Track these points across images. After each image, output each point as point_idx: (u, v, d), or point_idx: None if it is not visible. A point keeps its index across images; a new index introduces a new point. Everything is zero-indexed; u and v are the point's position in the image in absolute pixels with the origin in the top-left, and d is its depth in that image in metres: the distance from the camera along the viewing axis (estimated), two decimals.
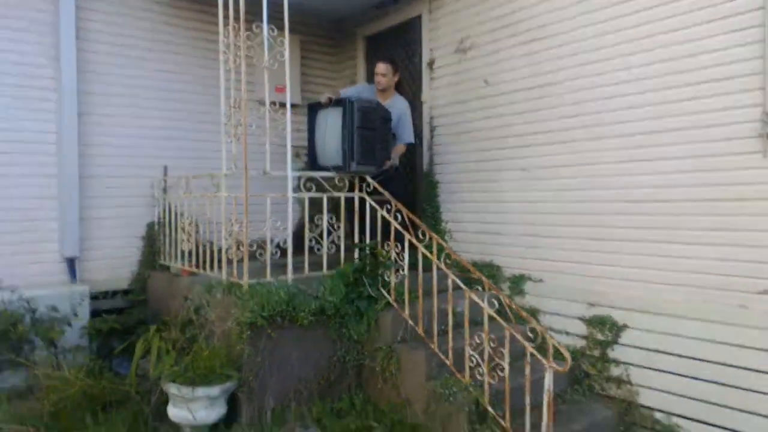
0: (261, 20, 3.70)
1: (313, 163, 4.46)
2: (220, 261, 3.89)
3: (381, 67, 4.66)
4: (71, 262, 4.49)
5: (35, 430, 2.92)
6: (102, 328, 4.00)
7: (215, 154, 5.16)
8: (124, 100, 4.87)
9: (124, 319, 4.23)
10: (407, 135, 4.71)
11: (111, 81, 4.81)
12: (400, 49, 5.68)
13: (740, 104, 3.21)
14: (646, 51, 3.62)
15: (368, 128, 4.20)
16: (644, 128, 3.64)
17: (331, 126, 4.28)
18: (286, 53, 3.85)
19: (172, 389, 3.15)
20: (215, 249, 4.00)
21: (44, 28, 4.48)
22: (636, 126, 3.68)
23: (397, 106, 4.67)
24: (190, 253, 4.28)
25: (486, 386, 3.11)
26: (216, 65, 5.18)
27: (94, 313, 4.28)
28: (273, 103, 3.82)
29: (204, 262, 4.12)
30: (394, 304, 3.75)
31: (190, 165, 5.01)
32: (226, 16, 3.81)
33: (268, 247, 3.74)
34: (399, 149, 4.66)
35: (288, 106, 3.91)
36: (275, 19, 3.75)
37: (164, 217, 4.76)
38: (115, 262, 4.77)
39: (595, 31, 3.88)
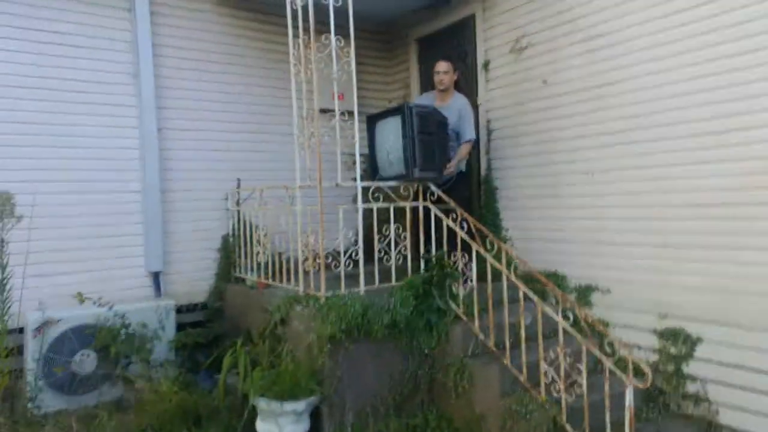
0: (325, 31, 3.78)
1: (374, 174, 4.52)
2: (296, 272, 4.05)
3: (442, 65, 4.68)
4: (156, 277, 4.75)
5: None
6: (187, 342, 4.23)
7: (283, 165, 5.39)
8: (197, 114, 5.08)
9: (206, 333, 4.45)
10: (469, 132, 4.62)
11: (184, 95, 5.02)
12: (453, 50, 5.66)
13: None
14: (716, 45, 3.53)
15: (427, 133, 4.26)
16: (711, 128, 3.57)
17: (391, 135, 4.35)
18: (353, 63, 3.94)
19: (261, 404, 3.35)
20: (291, 260, 4.16)
21: (123, 46, 4.73)
22: (701, 126, 3.61)
23: (458, 103, 4.67)
24: (265, 265, 4.46)
25: (563, 403, 3.16)
26: (281, 76, 5.46)
27: (178, 327, 4.50)
28: (341, 112, 3.91)
29: (280, 273, 4.30)
30: (463, 317, 3.83)
31: (260, 176, 5.18)
32: (295, 27, 3.90)
33: (342, 258, 3.88)
34: (463, 151, 4.59)
35: (356, 116, 4.01)
36: (336, 27, 3.81)
37: (238, 230, 4.96)
38: (193, 275, 5.00)
39: (657, 26, 3.80)
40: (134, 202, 4.75)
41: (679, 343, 3.73)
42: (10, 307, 3.12)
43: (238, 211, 5.02)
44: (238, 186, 5.15)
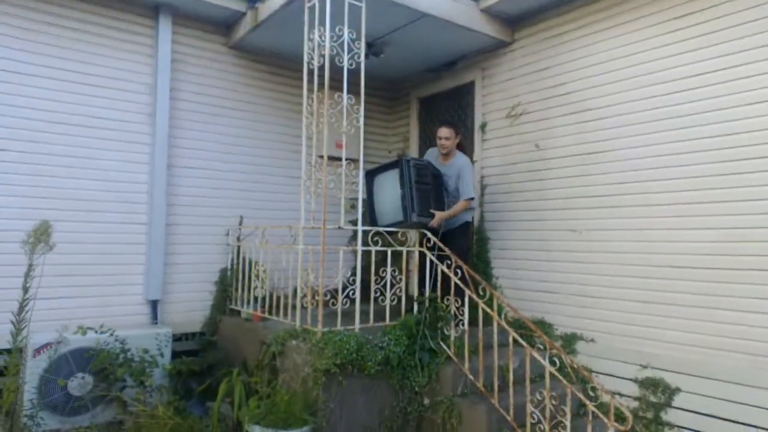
0: (335, 88, 4.09)
1: (372, 223, 4.76)
2: (294, 307, 4.19)
3: (444, 131, 4.88)
4: (154, 305, 4.88)
5: None
6: (182, 369, 4.31)
7: (283, 205, 5.70)
8: (205, 153, 5.35)
9: (200, 361, 4.53)
10: (467, 191, 4.74)
11: (194, 136, 5.29)
12: (452, 111, 6.10)
13: None
14: (693, 126, 3.91)
15: (423, 183, 4.57)
16: (690, 198, 3.91)
17: (388, 186, 4.65)
18: (361, 119, 4.26)
19: (256, 431, 3.43)
20: (288, 296, 4.32)
21: (143, 87, 5.02)
22: (682, 196, 3.96)
23: (458, 162, 4.87)
24: (263, 299, 4.61)
25: None
26: (286, 123, 5.80)
27: (173, 355, 4.59)
28: (346, 160, 4.17)
29: (277, 308, 4.44)
30: (454, 358, 3.98)
31: (260, 215, 5.47)
32: (309, 82, 4.20)
33: (340, 297, 4.05)
34: (458, 207, 4.72)
35: (361, 164, 4.29)
36: (338, 81, 4.10)
37: (237, 264, 5.13)
38: (190, 306, 5.14)
39: (643, 105, 4.20)
40: (139, 233, 4.92)
41: (658, 392, 3.92)
42: (25, 327, 3.22)
43: (238, 247, 5.20)
44: (240, 223, 5.35)
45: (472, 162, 5.47)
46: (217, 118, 5.44)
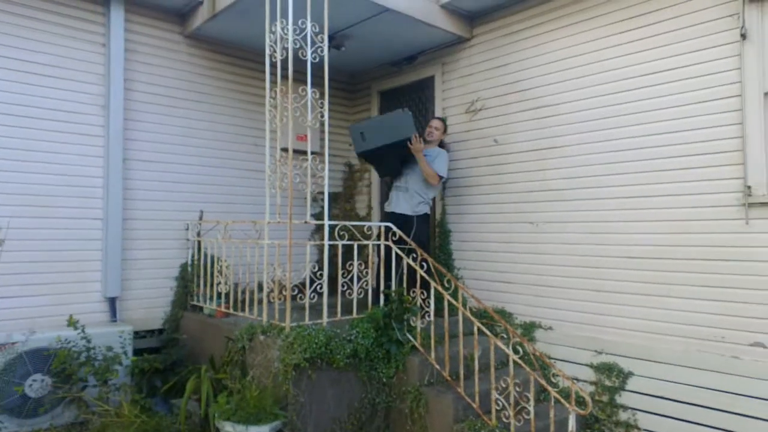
0: (298, 80, 4.08)
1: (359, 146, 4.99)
2: (260, 302, 4.17)
3: (435, 122, 5.19)
4: (113, 302, 4.74)
5: None
6: (145, 368, 4.22)
7: (244, 199, 5.62)
8: (162, 146, 5.21)
9: (163, 358, 4.44)
10: (441, 168, 4.92)
11: (150, 128, 5.14)
12: (413, 105, 6.16)
13: (725, 176, 3.72)
14: (642, 124, 4.13)
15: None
16: (640, 192, 4.14)
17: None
18: (326, 114, 4.24)
19: (227, 427, 3.40)
20: (254, 291, 4.29)
21: (95, 78, 4.83)
22: (633, 190, 4.18)
23: (438, 150, 5.06)
24: (226, 294, 4.56)
25: (512, 428, 3.43)
26: (246, 116, 5.72)
27: (134, 352, 4.48)
28: (304, 153, 4.16)
29: (242, 303, 4.40)
30: (421, 349, 4.07)
31: (220, 209, 5.40)
32: (273, 73, 4.13)
33: (308, 291, 4.06)
34: (429, 170, 4.84)
35: (326, 158, 4.28)
36: (301, 74, 4.08)
37: (198, 260, 5.05)
38: (150, 302, 5.02)
39: (599, 103, 4.39)
40: (96, 229, 4.75)
41: (613, 376, 4.14)
42: None
43: (199, 242, 5.11)
44: (201, 218, 5.25)
45: None
46: (175, 109, 5.30)
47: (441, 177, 4.96)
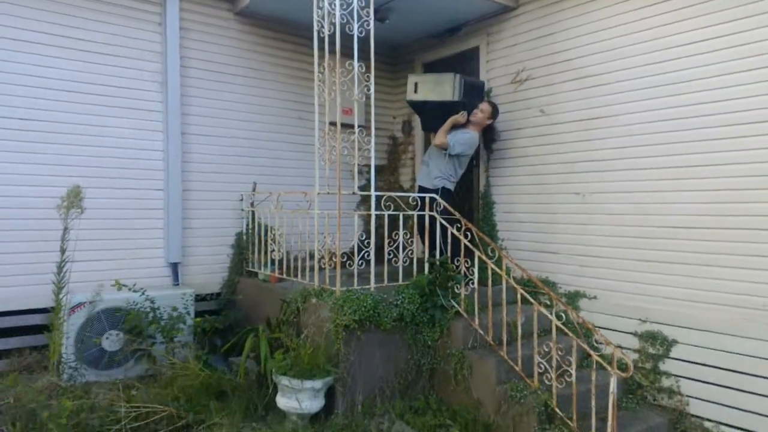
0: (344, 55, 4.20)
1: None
2: (312, 269, 4.40)
3: (484, 104, 5.16)
4: (175, 267, 5.08)
5: (175, 411, 3.46)
6: (206, 327, 4.54)
7: (294, 171, 5.85)
8: (217, 121, 5.46)
9: (222, 319, 4.77)
10: (454, 141, 4.95)
11: (206, 103, 5.39)
12: None
13: None
14: (687, 93, 4.08)
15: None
16: (685, 162, 4.10)
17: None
18: (372, 88, 4.35)
19: (283, 381, 3.67)
20: (304, 259, 4.51)
21: (152, 56, 5.09)
22: (677, 159, 4.14)
23: (470, 132, 5.09)
24: (279, 261, 4.81)
25: (554, 390, 3.55)
26: (296, 90, 5.90)
27: (194, 314, 4.81)
28: (351, 126, 4.29)
29: (294, 270, 4.65)
30: (464, 314, 4.22)
31: (270, 181, 5.63)
32: (320, 49, 4.28)
33: (356, 258, 4.25)
34: (442, 132, 4.98)
35: (372, 132, 4.42)
36: (347, 48, 4.18)
37: (252, 229, 5.31)
38: (208, 268, 5.36)
39: (646, 72, 4.32)
40: (158, 199, 5.08)
41: (656, 344, 4.18)
42: (66, 286, 3.42)
43: (253, 212, 5.37)
44: (254, 189, 5.50)
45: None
46: (227, 85, 5.53)
47: (447, 149, 4.96)
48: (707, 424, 3.93)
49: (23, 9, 4.48)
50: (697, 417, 3.98)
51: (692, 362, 4.01)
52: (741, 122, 3.80)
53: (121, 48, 4.92)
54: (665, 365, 4.15)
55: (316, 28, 4.23)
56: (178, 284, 5.04)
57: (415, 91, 5.23)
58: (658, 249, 4.26)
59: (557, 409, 3.53)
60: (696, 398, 4.00)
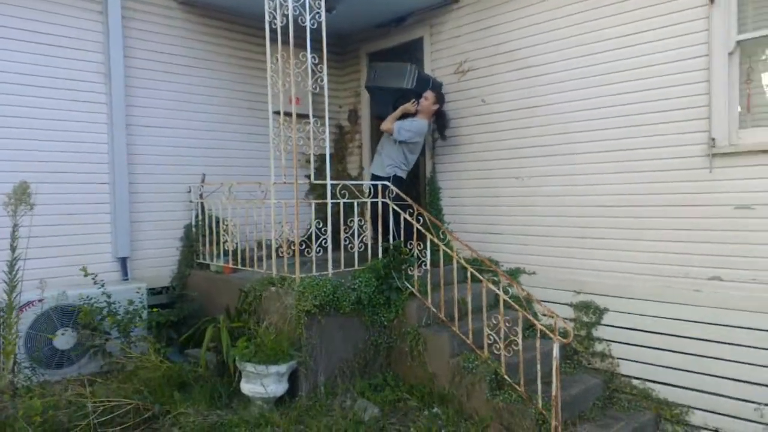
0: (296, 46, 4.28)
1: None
2: (269, 258, 4.48)
3: (428, 92, 5.35)
4: (123, 262, 5.01)
5: (141, 403, 3.48)
6: (160, 321, 4.54)
7: (241, 162, 5.86)
8: (163, 112, 5.38)
9: (176, 312, 4.77)
10: (400, 127, 5.17)
11: (152, 94, 5.31)
12: None
13: (692, 130, 4.09)
14: (620, 82, 4.45)
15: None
16: (617, 146, 4.49)
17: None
18: (325, 78, 4.46)
19: (248, 367, 3.76)
20: (263, 248, 4.59)
21: (95, 46, 4.96)
22: (610, 144, 4.53)
23: (420, 120, 5.30)
24: (233, 252, 4.86)
25: (503, 359, 3.86)
26: (244, 80, 5.89)
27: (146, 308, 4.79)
28: (305, 117, 4.39)
29: (250, 259, 4.71)
30: (418, 295, 4.46)
31: (220, 172, 5.63)
32: (273, 40, 4.31)
33: (314, 246, 4.38)
34: (390, 119, 5.23)
35: (327, 121, 4.52)
36: (300, 40, 4.27)
37: (202, 221, 5.31)
38: (158, 261, 5.31)
39: (580, 63, 4.69)
40: (104, 193, 4.98)
41: (590, 313, 4.61)
42: (19, 285, 3.35)
43: (202, 204, 5.36)
44: (203, 181, 5.48)
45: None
46: (173, 75, 5.46)
47: (393, 135, 5.17)
48: (635, 382, 4.38)
49: None
50: (627, 376, 4.42)
51: (621, 327, 4.46)
52: (666, 109, 4.19)
53: (63, 38, 4.78)
54: (598, 332, 4.58)
55: (267, 19, 4.28)
56: (127, 279, 4.98)
57: (373, 77, 5.53)
58: (591, 227, 4.65)
59: (506, 376, 3.84)
60: (625, 359, 4.44)
